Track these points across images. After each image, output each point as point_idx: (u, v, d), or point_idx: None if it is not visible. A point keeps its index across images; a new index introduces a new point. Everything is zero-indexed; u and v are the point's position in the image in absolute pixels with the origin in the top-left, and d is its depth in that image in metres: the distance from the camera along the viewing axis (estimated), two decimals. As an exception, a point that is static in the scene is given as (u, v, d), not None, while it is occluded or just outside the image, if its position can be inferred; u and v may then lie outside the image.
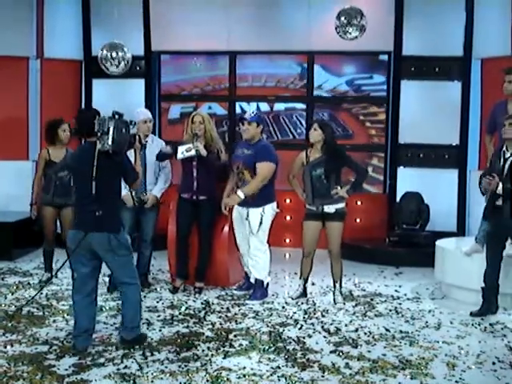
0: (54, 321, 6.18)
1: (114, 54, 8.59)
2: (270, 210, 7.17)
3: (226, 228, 7.55)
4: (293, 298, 7.18)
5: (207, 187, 7.32)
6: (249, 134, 7.13)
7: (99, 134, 5.11)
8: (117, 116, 5.18)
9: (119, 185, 5.45)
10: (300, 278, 7.31)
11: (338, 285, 7.15)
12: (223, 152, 7.41)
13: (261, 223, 7.09)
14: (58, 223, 7.74)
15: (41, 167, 7.63)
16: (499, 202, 6.52)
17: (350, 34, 7.99)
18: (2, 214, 9.68)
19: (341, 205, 6.99)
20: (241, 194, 7.04)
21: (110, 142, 5.07)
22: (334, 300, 7.08)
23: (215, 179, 7.38)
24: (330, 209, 6.97)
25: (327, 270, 7.27)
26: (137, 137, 5.77)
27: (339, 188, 6.94)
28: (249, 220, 7.13)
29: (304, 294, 7.27)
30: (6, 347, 5.41)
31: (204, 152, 7.14)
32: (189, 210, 7.41)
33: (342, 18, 7.94)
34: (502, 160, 6.55)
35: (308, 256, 7.19)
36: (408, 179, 10.24)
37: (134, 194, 6.61)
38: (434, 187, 10.04)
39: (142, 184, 7.20)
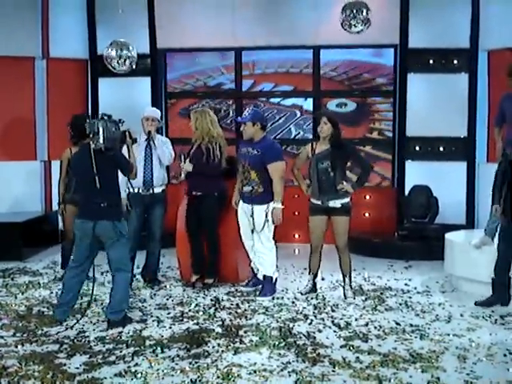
0: (65, 320, 6.18)
1: (119, 53, 8.57)
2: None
3: (234, 223, 7.54)
4: (302, 294, 7.17)
5: (200, 182, 7.37)
6: (246, 135, 7.13)
7: (91, 135, 5.77)
8: (105, 117, 5.86)
9: (117, 177, 6.02)
10: (309, 274, 7.30)
11: (347, 279, 7.13)
12: (220, 149, 7.40)
13: (266, 221, 7.08)
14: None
15: (64, 167, 7.66)
16: None
17: (355, 27, 7.95)
18: (12, 214, 9.72)
19: (346, 199, 6.97)
20: (278, 204, 7.02)
21: (101, 141, 5.73)
22: (345, 295, 7.07)
23: (213, 176, 7.39)
24: (335, 203, 6.94)
25: (336, 264, 7.25)
26: (127, 133, 6.25)
27: (345, 183, 6.92)
28: (253, 217, 7.11)
29: (314, 289, 7.26)
30: (17, 347, 5.43)
31: (190, 168, 7.39)
32: (193, 206, 7.48)
33: (347, 12, 7.90)
34: None
35: (316, 251, 7.18)
36: (416, 172, 10.20)
37: (131, 194, 6.95)
38: (443, 180, 10.01)
39: (149, 180, 7.39)
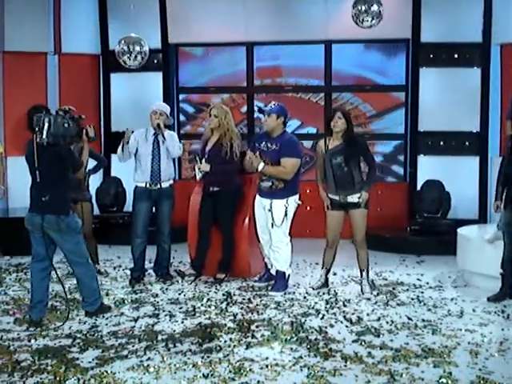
0: (77, 314, 6.22)
1: (131, 48, 8.59)
2: (293, 202, 7.14)
3: (247, 219, 7.56)
4: (314, 288, 7.16)
5: (218, 179, 7.38)
6: (268, 127, 7.09)
7: (36, 129, 5.74)
8: (61, 112, 5.85)
9: (64, 172, 5.92)
10: (322, 268, 7.28)
11: (364, 274, 7.09)
12: (236, 146, 7.40)
13: (285, 215, 7.07)
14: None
15: None
16: None
17: (367, 21, 7.92)
18: (25, 210, 9.69)
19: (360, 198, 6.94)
20: (261, 166, 6.98)
21: (44, 136, 5.69)
22: (362, 290, 7.04)
23: (228, 171, 7.41)
24: (353, 198, 6.92)
25: (348, 259, 7.26)
26: (84, 130, 6.30)
27: (363, 193, 6.88)
28: (272, 212, 7.08)
29: (326, 284, 7.25)
30: (30, 341, 5.46)
31: (207, 168, 7.38)
32: (208, 202, 7.50)
33: (359, 6, 7.88)
34: None
35: (332, 246, 7.15)
36: (428, 167, 10.19)
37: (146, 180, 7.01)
38: (455, 175, 9.99)
39: (156, 174, 7.41)
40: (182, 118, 11.22)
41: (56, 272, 6.10)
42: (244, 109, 10.98)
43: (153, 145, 7.44)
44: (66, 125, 5.76)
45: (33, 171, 5.86)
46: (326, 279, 7.27)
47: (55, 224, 5.82)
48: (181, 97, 11.19)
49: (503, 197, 6.77)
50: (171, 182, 7.59)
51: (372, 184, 7.07)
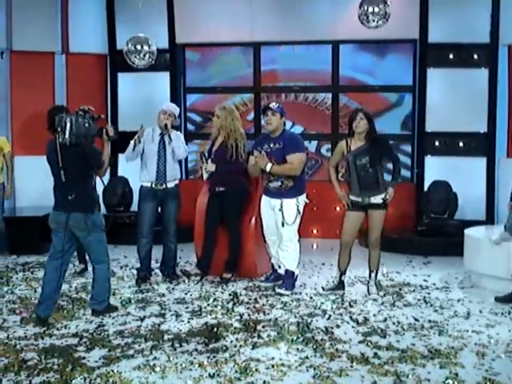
0: (84, 313, 6.23)
1: (139, 48, 8.60)
2: (302, 200, 7.15)
3: (253, 219, 7.56)
4: (324, 289, 7.11)
5: (223, 179, 7.39)
6: (273, 126, 7.10)
7: (59, 130, 5.80)
8: (81, 112, 5.87)
9: (88, 171, 5.99)
10: (338, 271, 7.19)
11: (373, 275, 7.08)
12: (241, 147, 7.40)
13: (298, 213, 7.08)
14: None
15: None
16: None
17: (373, 22, 7.90)
18: (32, 209, 9.78)
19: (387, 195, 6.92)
20: (269, 166, 6.99)
21: (66, 136, 5.75)
22: (368, 290, 7.03)
23: (234, 171, 7.40)
24: (376, 199, 6.88)
25: (355, 260, 7.24)
26: (104, 130, 6.25)
27: (390, 189, 6.84)
28: (282, 211, 7.07)
29: (341, 286, 7.14)
30: (36, 340, 5.47)
31: (212, 168, 7.43)
32: (214, 202, 7.52)
33: (365, 7, 7.86)
34: None
35: (346, 247, 7.07)
36: (436, 168, 10.17)
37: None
38: (463, 175, 9.96)
39: (162, 174, 7.42)
40: (190, 127, 11.20)
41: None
42: (251, 116, 10.97)
43: (159, 145, 7.44)
44: (86, 125, 5.84)
45: (57, 171, 5.91)
46: (342, 282, 7.19)
47: (82, 222, 5.90)
48: (188, 105, 11.17)
49: None
50: (177, 181, 7.59)
51: (398, 180, 7.04)
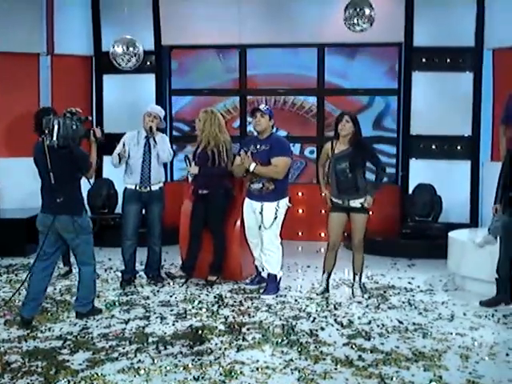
0: (68, 316, 6.21)
1: (125, 50, 8.58)
2: (284, 204, 7.14)
3: (239, 222, 7.55)
4: (317, 294, 7.10)
5: (207, 181, 7.39)
6: (261, 127, 7.10)
7: (46, 132, 5.76)
8: (68, 114, 5.85)
9: (76, 173, 5.97)
10: (323, 273, 7.20)
11: (357, 277, 7.10)
12: (223, 151, 7.38)
13: (275, 217, 7.07)
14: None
15: None
16: None
17: (359, 25, 7.93)
18: (18, 211, 9.73)
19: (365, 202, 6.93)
20: (253, 166, 6.98)
21: (54, 139, 5.71)
22: (353, 293, 7.05)
23: (217, 174, 7.39)
24: (355, 203, 6.92)
25: (340, 262, 7.26)
26: (91, 131, 6.21)
27: (368, 198, 6.86)
28: (262, 214, 7.09)
29: (326, 289, 7.18)
30: (20, 342, 5.45)
31: (195, 171, 7.42)
32: (199, 204, 7.52)
33: (351, 10, 7.88)
34: None
35: (333, 249, 7.10)
36: (420, 171, 10.20)
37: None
38: (447, 179, 10.01)
39: (146, 177, 7.39)
40: (176, 133, 11.21)
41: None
42: (237, 123, 11.00)
43: (144, 148, 7.42)
44: (74, 127, 5.80)
45: (45, 173, 5.87)
46: (327, 284, 7.23)
47: (69, 224, 5.87)
48: (174, 114, 11.17)
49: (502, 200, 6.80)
50: (161, 184, 7.58)
51: (379, 189, 7.07)
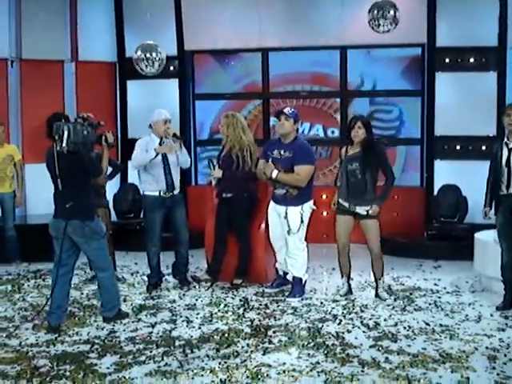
0: (95, 320, 6.26)
1: (148, 55, 8.64)
2: (309, 208, 7.13)
3: (263, 225, 7.56)
4: (341, 295, 7.11)
5: (230, 185, 7.40)
6: (285, 130, 7.05)
7: (56, 138, 5.77)
8: (80, 120, 5.88)
9: (85, 179, 5.99)
10: (342, 277, 7.23)
11: (379, 282, 7.07)
12: (247, 155, 7.39)
13: (301, 222, 7.06)
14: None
15: None
16: (503, 192, 6.60)
17: (383, 27, 7.92)
18: (43, 216, 9.73)
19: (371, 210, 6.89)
20: (275, 173, 6.96)
21: (64, 145, 5.72)
22: (379, 296, 7.01)
23: (241, 177, 7.40)
24: (361, 210, 6.89)
25: (364, 264, 7.25)
26: (103, 137, 6.23)
27: (374, 206, 6.82)
28: (287, 219, 7.07)
29: (349, 291, 7.19)
30: (48, 347, 5.50)
31: (219, 174, 7.42)
32: (223, 208, 7.55)
33: (375, 12, 7.88)
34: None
35: (343, 251, 7.10)
36: (445, 172, 10.14)
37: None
38: (472, 179, 9.89)
39: (170, 182, 7.38)
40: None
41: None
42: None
43: (162, 154, 7.41)
44: (85, 132, 5.79)
45: (55, 179, 5.92)
46: (349, 286, 7.24)
47: (80, 229, 5.88)
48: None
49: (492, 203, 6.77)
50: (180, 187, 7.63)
51: (386, 199, 7.02)
